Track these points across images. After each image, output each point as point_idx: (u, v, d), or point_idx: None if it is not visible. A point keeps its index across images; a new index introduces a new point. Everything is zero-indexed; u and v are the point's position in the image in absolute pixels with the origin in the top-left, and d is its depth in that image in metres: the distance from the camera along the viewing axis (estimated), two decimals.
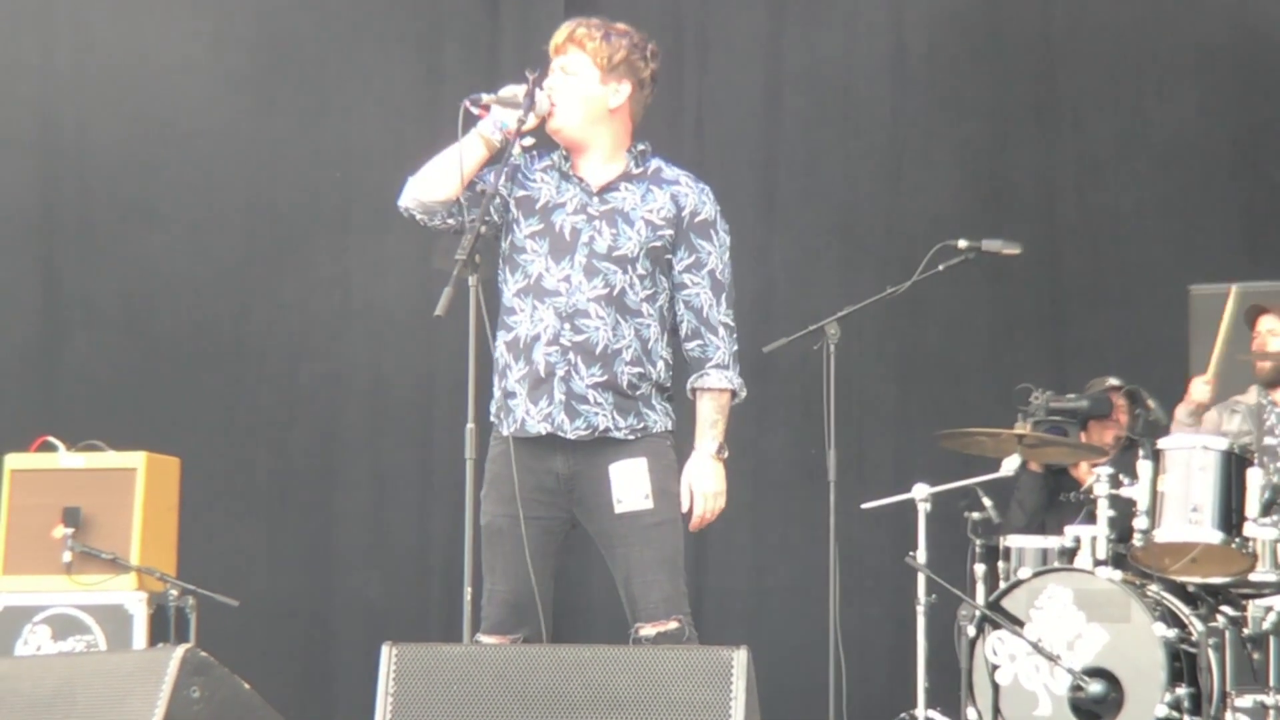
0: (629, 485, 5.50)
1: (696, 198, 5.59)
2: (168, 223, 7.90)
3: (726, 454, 5.59)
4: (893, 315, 7.17)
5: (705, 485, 5.57)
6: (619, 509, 5.49)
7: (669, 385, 5.61)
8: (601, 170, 5.62)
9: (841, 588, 6.42)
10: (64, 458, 6.83)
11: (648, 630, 5.48)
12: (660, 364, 5.58)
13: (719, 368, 5.59)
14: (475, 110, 5.46)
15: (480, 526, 5.53)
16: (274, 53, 7.98)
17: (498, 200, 5.58)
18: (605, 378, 5.53)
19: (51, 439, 6.86)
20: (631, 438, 5.55)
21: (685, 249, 5.58)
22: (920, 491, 6.69)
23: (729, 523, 7.56)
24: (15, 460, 6.85)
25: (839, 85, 7.84)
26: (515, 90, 5.49)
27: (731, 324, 5.60)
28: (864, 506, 6.79)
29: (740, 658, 4.81)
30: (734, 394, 5.62)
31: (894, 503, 6.76)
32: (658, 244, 5.55)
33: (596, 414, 5.52)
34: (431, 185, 5.53)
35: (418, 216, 5.57)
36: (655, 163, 5.67)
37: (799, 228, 7.77)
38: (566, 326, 5.54)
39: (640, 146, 5.66)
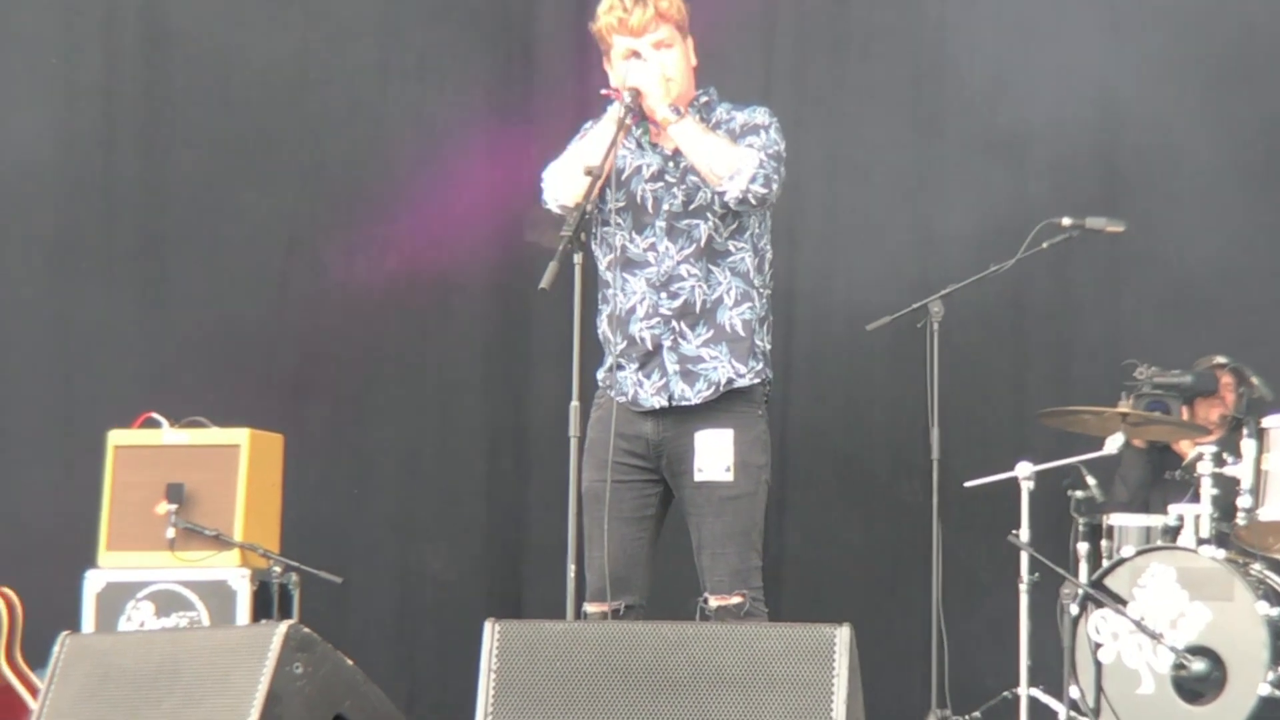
0: (712, 455, 5.51)
1: (745, 116, 5.60)
2: (269, 199, 7.93)
3: (674, 117, 5.47)
4: (997, 292, 7.12)
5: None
6: (698, 477, 5.50)
7: (769, 316, 5.61)
8: None
9: (944, 565, 6.40)
10: (168, 434, 6.86)
11: (712, 602, 5.49)
12: (763, 293, 5.58)
13: (753, 174, 5.48)
14: (610, 94, 5.49)
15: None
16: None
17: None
18: (712, 332, 5.53)
19: (155, 415, 6.90)
20: (756, 381, 5.54)
21: None
22: (1024, 470, 6.66)
23: (835, 502, 7.58)
24: (119, 437, 6.89)
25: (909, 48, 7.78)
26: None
27: (767, 156, 5.51)
28: (967, 485, 6.76)
29: (843, 635, 4.80)
30: (723, 178, 5.45)
31: (997, 481, 6.73)
32: None
33: (715, 369, 5.53)
34: (578, 189, 5.49)
35: (567, 217, 5.52)
36: (718, 113, 5.65)
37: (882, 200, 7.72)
38: (663, 295, 5.55)
39: (704, 98, 5.65)
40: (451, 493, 7.85)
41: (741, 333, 5.55)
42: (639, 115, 5.55)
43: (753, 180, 5.46)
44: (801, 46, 7.75)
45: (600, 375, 5.65)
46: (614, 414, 5.56)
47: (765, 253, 5.64)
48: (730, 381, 5.53)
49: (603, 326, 5.65)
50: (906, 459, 7.24)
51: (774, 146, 5.55)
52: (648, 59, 5.53)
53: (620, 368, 5.59)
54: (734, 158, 5.48)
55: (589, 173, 5.38)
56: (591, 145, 5.51)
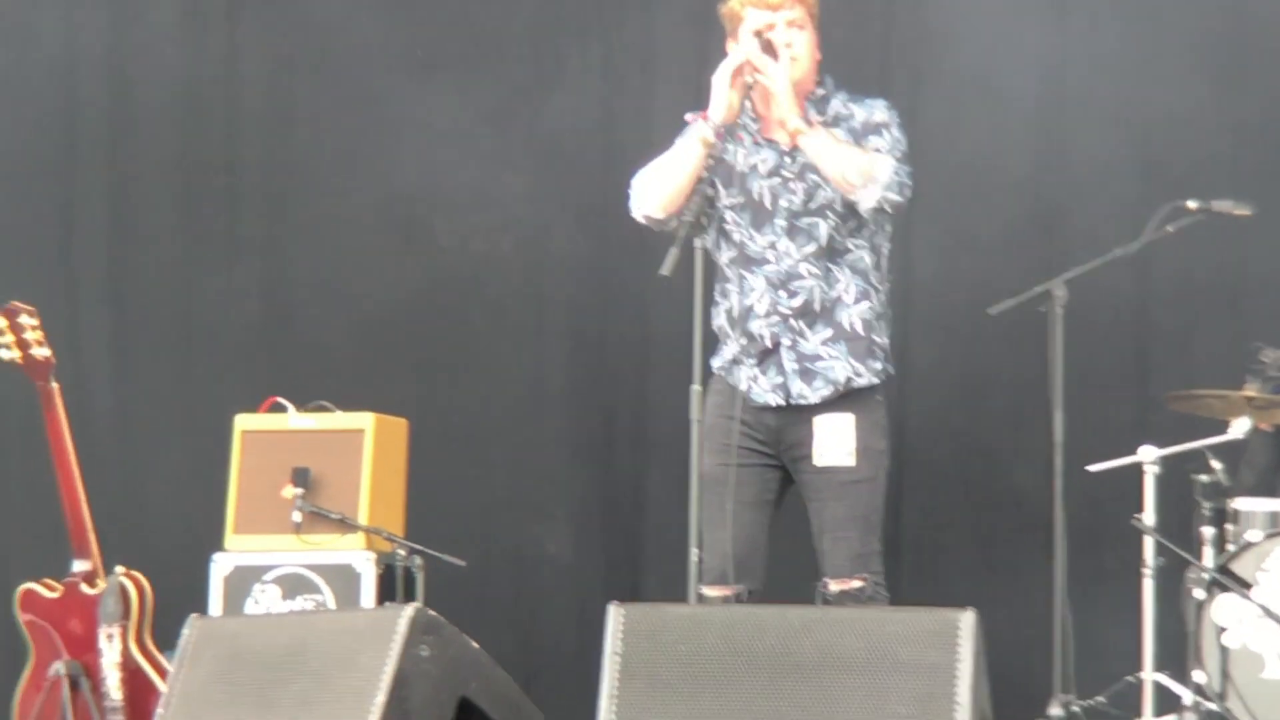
0: (833, 439, 5.52)
1: (865, 112, 5.59)
2: (387, 181, 7.97)
3: (801, 127, 5.48)
4: (1120, 275, 7.07)
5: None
6: (819, 461, 5.51)
7: (888, 312, 5.61)
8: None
9: (1067, 550, 6.36)
10: (293, 419, 6.91)
11: (833, 587, 5.48)
12: (881, 290, 5.58)
13: (888, 182, 5.49)
14: (696, 117, 5.52)
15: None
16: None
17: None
18: (832, 331, 5.53)
19: (281, 400, 6.95)
20: (877, 380, 5.55)
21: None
22: (1148, 454, 6.61)
23: (955, 486, 7.55)
24: (245, 421, 6.94)
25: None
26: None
27: (900, 163, 5.53)
28: (1090, 469, 6.72)
29: (967, 620, 4.80)
30: (857, 187, 5.48)
31: (1121, 465, 6.68)
32: None
33: (834, 368, 5.52)
34: (662, 201, 5.54)
35: (654, 228, 5.61)
36: (835, 105, 5.63)
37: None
38: (782, 294, 5.55)
39: (821, 91, 5.63)
40: (568, 475, 7.86)
41: (861, 331, 5.55)
42: (723, 137, 5.54)
43: (888, 189, 5.45)
44: (918, 29, 7.70)
45: (716, 364, 5.65)
46: (735, 399, 5.57)
47: (883, 249, 5.64)
48: (849, 381, 5.54)
49: (719, 320, 5.65)
50: (1028, 443, 7.20)
51: (900, 147, 5.54)
52: (780, 56, 5.50)
53: (738, 362, 5.60)
54: (866, 166, 5.46)
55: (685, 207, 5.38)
56: (673, 167, 5.51)
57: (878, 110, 5.61)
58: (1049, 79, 7.64)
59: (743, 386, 5.57)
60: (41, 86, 8.00)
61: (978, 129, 7.54)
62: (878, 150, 5.50)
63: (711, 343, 5.60)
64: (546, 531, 7.88)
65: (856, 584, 5.49)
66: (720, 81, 5.49)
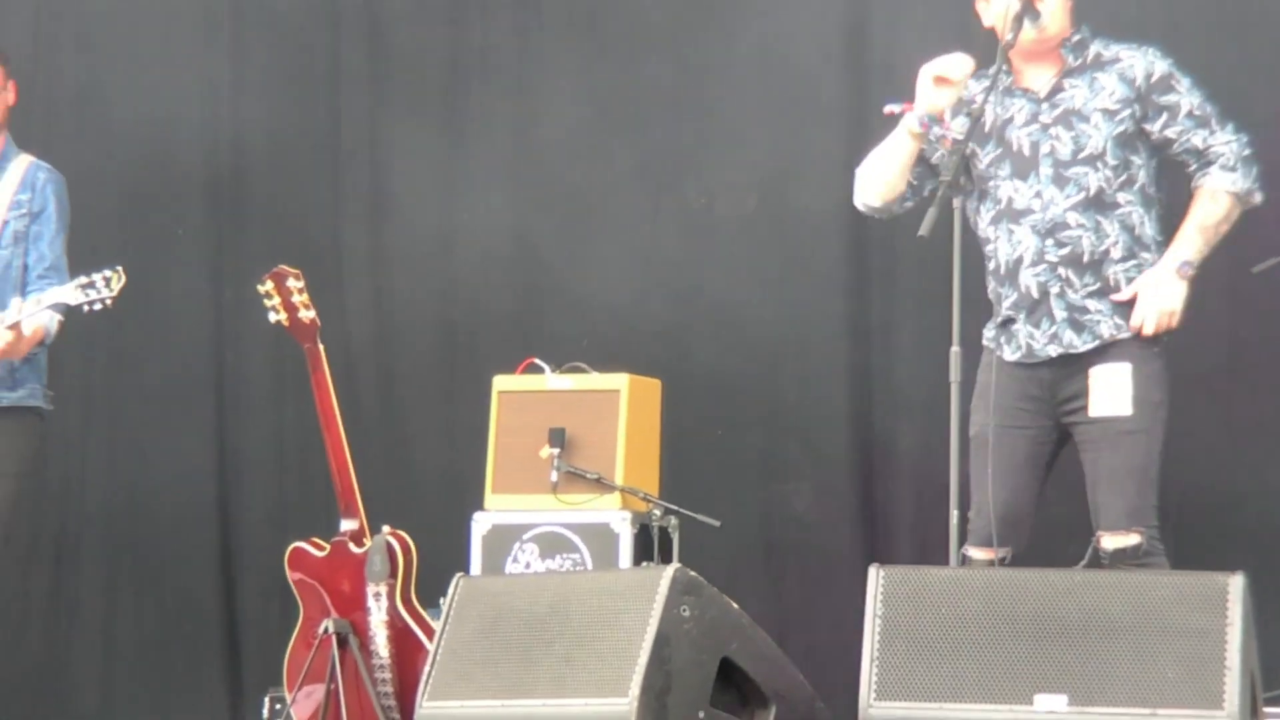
0: (1109, 389, 5.48)
1: (1144, 62, 5.51)
2: (637, 145, 8.00)
3: (1193, 273, 5.47)
4: None
5: (1160, 301, 5.46)
6: (1094, 411, 5.47)
7: None
8: (1045, 74, 5.56)
9: None
10: (550, 379, 6.99)
11: (1107, 541, 5.43)
12: (1153, 246, 5.51)
13: (1225, 169, 5.45)
14: (897, 109, 5.54)
15: (969, 439, 5.54)
16: None
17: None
18: (1099, 285, 5.49)
19: (538, 361, 7.04)
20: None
21: (1154, 113, 5.50)
22: None
23: (1221, 445, 7.42)
24: (503, 382, 7.03)
25: None
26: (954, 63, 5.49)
27: (1235, 135, 5.47)
28: None
29: (1236, 584, 4.74)
30: (1238, 200, 5.47)
31: None
32: (1121, 129, 5.48)
33: (1100, 322, 5.48)
34: (878, 191, 5.63)
35: (875, 215, 5.68)
36: (1094, 48, 5.57)
37: None
38: (1049, 242, 5.51)
39: (1077, 36, 5.57)
40: (817, 434, 7.85)
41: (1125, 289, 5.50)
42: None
43: (1251, 185, 5.54)
44: None
45: (986, 336, 5.62)
46: (1001, 366, 5.55)
47: (1154, 203, 5.56)
48: (1113, 337, 5.48)
49: (990, 284, 5.63)
50: None
51: (1199, 94, 5.51)
52: (1042, 17, 5.45)
53: (1011, 321, 5.57)
54: (1232, 205, 5.49)
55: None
56: (884, 159, 5.57)
57: (1156, 60, 5.53)
58: None
59: (1022, 345, 5.53)
60: (308, 74, 8.19)
61: (1234, 72, 7.41)
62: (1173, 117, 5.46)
63: (969, 304, 5.56)
64: (795, 491, 7.88)
65: (1133, 539, 5.43)
66: (924, 79, 5.50)
